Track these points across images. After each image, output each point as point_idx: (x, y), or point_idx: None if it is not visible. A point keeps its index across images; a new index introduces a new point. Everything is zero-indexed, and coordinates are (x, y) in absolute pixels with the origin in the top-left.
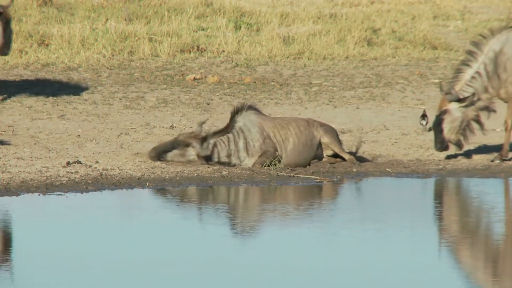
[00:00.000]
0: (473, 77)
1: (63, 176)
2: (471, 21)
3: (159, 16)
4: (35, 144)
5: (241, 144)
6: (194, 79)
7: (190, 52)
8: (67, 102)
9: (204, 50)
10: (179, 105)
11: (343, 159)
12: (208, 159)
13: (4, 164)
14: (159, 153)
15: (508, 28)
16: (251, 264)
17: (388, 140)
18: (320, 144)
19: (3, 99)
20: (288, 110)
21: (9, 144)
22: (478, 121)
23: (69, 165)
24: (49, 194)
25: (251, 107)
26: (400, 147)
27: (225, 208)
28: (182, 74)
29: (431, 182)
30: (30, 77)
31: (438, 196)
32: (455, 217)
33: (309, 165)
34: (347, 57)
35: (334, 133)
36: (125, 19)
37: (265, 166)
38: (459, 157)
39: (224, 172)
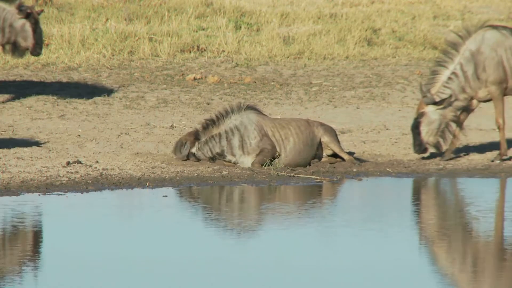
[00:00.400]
0: (449, 78)
1: (63, 176)
2: (471, 21)
3: (159, 16)
4: (35, 144)
5: (235, 141)
6: (194, 79)
7: (190, 52)
8: (67, 102)
9: (204, 50)
10: (179, 105)
11: (343, 159)
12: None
13: (4, 164)
14: (175, 150)
15: (484, 28)
16: (255, 264)
17: (388, 140)
18: (320, 143)
19: (5, 101)
20: (288, 110)
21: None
22: (457, 121)
23: (69, 165)
24: (49, 194)
25: (250, 107)
26: (400, 147)
27: (229, 207)
28: (182, 74)
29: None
30: (30, 77)
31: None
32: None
33: (309, 165)
34: (347, 57)
35: (333, 133)
36: (125, 19)
37: (265, 165)
38: (459, 157)
39: (224, 172)
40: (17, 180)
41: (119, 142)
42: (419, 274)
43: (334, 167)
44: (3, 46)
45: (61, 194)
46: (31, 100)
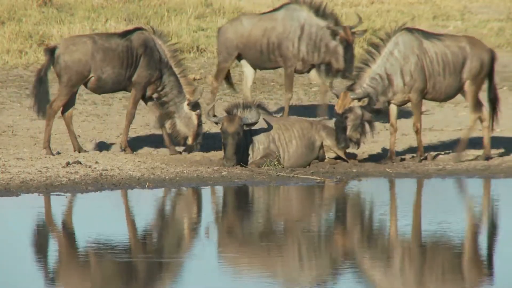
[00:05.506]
0: (373, 78)
1: (63, 176)
2: (471, 21)
3: (159, 16)
4: (35, 144)
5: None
6: (194, 79)
7: (189, 52)
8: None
9: (204, 50)
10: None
11: (345, 160)
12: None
13: (4, 165)
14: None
15: (401, 31)
16: None
17: (388, 141)
18: (321, 146)
19: (5, 101)
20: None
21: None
22: (370, 122)
23: (69, 165)
24: (49, 194)
25: (259, 106)
26: (399, 147)
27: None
28: None
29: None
30: (30, 77)
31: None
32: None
33: (309, 165)
34: None
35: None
36: (125, 20)
37: (264, 166)
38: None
39: (224, 173)
40: (17, 181)
41: (119, 143)
42: None
43: (334, 168)
44: (318, 66)
45: (61, 195)
46: (31, 101)
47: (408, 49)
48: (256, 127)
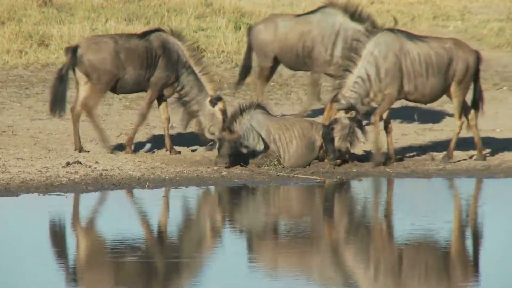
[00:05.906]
0: (355, 82)
1: (63, 176)
2: (471, 21)
3: (159, 17)
4: (35, 144)
5: (250, 143)
6: None
7: None
8: (67, 102)
9: (204, 50)
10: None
11: (345, 160)
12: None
13: (4, 165)
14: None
15: (383, 31)
16: None
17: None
18: (322, 146)
19: (5, 101)
20: (288, 110)
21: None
22: (360, 127)
23: (69, 165)
24: (49, 195)
25: (259, 106)
26: (399, 147)
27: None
28: None
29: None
30: (30, 77)
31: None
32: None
33: (309, 165)
34: None
35: None
36: (125, 20)
37: (265, 166)
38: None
39: (224, 173)
40: (17, 181)
41: (119, 142)
42: None
43: (334, 168)
44: None
45: (61, 195)
46: (31, 100)
47: (389, 48)
48: (256, 127)
